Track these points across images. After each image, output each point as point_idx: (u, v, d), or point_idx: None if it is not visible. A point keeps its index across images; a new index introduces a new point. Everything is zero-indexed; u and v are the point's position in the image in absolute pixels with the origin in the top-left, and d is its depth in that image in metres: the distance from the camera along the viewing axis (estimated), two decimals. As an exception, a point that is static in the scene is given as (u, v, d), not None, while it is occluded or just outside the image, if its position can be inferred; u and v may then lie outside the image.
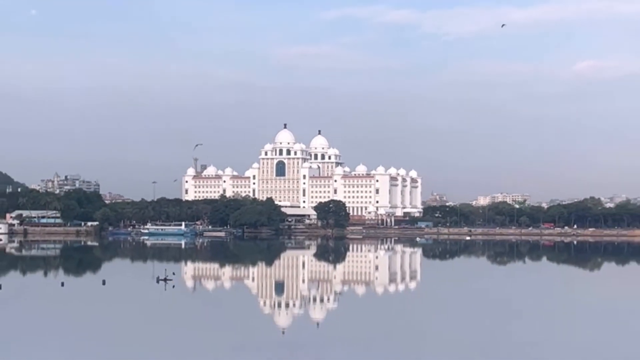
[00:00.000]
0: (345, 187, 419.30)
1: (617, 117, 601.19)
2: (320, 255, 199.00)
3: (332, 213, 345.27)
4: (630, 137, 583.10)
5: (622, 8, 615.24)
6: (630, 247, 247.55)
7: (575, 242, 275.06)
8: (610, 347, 57.31)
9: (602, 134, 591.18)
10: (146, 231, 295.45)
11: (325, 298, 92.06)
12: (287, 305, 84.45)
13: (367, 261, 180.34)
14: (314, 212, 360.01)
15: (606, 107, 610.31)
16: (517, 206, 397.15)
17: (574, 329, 66.18)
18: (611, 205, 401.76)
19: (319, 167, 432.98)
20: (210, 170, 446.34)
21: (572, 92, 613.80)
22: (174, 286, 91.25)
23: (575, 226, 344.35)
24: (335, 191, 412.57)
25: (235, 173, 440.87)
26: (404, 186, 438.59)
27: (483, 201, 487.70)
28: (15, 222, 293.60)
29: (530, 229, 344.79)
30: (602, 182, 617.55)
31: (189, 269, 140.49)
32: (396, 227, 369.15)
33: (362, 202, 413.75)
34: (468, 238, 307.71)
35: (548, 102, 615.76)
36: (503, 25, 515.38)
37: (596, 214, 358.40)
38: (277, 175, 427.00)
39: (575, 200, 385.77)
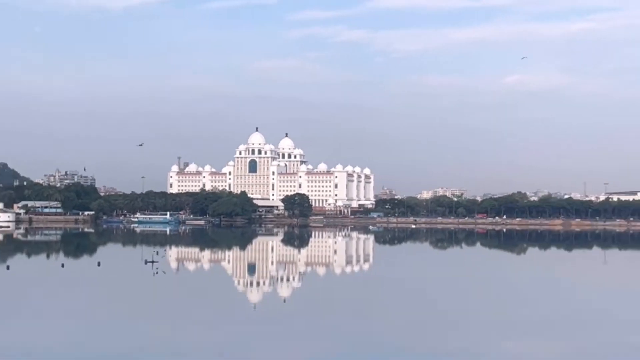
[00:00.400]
0: (308, 182, 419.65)
1: (540, 124, 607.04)
2: (287, 241, 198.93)
3: (297, 204, 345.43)
4: (551, 141, 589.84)
5: (545, 32, 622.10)
6: (551, 234, 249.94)
7: (504, 230, 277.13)
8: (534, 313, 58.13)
9: (528, 138, 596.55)
10: (136, 220, 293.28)
11: (291, 278, 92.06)
12: (258, 284, 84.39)
13: (327, 246, 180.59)
14: (282, 204, 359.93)
15: (531, 115, 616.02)
16: (455, 199, 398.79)
17: (504, 302, 66.78)
18: (535, 198, 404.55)
19: (286, 165, 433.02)
20: (192, 167, 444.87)
21: (502, 102, 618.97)
22: (161, 271, 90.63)
23: (504, 216, 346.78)
24: (300, 186, 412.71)
25: (213, 170, 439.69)
26: (359, 182, 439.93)
27: (426, 195, 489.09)
28: (22, 211, 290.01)
29: (466, 218, 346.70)
30: (527, 179, 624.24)
31: (173, 252, 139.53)
32: (352, 217, 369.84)
33: (323, 195, 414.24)
34: (413, 226, 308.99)
35: (482, 110, 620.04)
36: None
37: (522, 206, 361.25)
38: (249, 171, 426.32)
39: (505, 194, 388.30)
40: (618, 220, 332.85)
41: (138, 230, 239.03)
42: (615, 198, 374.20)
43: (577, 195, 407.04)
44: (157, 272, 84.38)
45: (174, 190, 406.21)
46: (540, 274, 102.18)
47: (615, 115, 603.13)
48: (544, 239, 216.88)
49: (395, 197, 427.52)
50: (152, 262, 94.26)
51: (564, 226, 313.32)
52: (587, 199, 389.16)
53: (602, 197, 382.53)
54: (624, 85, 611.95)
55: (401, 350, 44.50)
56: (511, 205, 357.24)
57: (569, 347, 46.18)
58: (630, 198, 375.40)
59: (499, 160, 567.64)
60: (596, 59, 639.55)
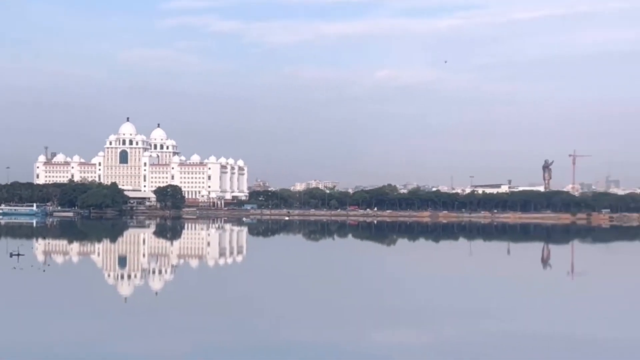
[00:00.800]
0: (181, 173, 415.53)
1: (410, 118, 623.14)
2: (159, 233, 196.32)
3: (170, 196, 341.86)
4: (420, 135, 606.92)
5: (414, 27, 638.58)
6: (420, 226, 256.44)
7: (375, 222, 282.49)
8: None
9: (399, 132, 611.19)
10: (0, 211, 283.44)
11: (163, 270, 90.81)
12: (129, 276, 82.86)
13: (200, 238, 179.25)
14: (154, 195, 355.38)
15: (401, 109, 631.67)
16: (327, 191, 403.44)
17: (374, 293, 68.00)
18: (405, 191, 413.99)
19: (158, 156, 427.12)
20: (60, 158, 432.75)
21: (374, 96, 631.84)
22: (42, 267, 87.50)
23: (375, 209, 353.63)
24: (172, 177, 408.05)
25: (82, 160, 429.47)
26: (233, 173, 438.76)
27: (299, 187, 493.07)
28: None
29: (338, 210, 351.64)
30: (398, 172, 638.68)
31: (40, 245, 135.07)
32: (226, 208, 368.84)
33: (196, 186, 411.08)
34: (287, 218, 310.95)
35: (354, 103, 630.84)
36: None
37: (393, 198, 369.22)
38: (120, 162, 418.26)
39: (376, 187, 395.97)
40: (483, 212, 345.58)
41: (2, 222, 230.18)
42: (480, 191, 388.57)
43: (444, 188, 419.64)
44: (41, 270, 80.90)
45: (40, 181, 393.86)
46: (410, 265, 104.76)
47: (481, 110, 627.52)
48: (413, 231, 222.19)
49: (269, 189, 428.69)
50: (18, 254, 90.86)
51: (432, 218, 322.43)
52: (453, 191, 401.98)
53: (468, 190, 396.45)
54: (488, 81, 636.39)
55: (272, 342, 44.64)
56: (382, 197, 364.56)
57: (435, 336, 47.51)
58: (495, 191, 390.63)
59: (370, 153, 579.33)
60: (463, 55, 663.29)
